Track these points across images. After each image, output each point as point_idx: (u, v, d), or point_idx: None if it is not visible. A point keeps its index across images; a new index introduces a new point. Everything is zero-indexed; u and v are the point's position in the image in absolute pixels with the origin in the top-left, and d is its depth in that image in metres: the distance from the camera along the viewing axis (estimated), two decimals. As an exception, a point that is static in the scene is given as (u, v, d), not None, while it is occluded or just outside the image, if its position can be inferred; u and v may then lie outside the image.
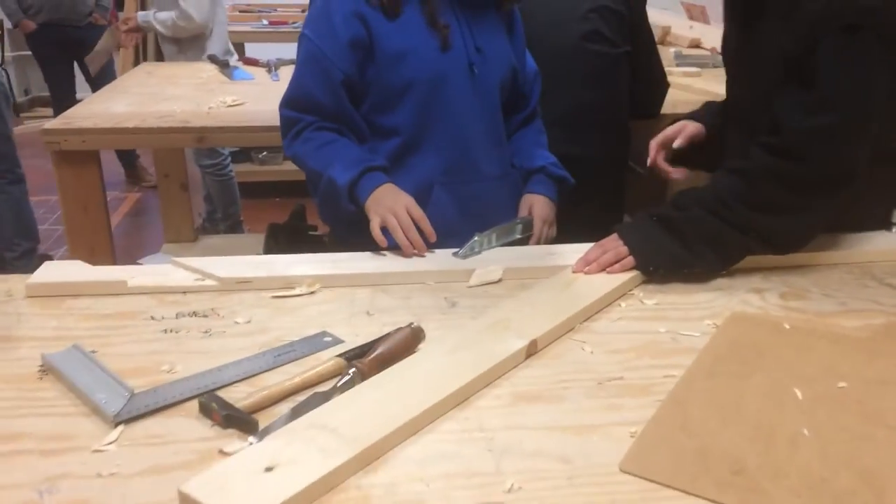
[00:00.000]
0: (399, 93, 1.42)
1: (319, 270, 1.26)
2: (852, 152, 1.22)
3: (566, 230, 1.67)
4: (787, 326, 1.11)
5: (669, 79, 2.79)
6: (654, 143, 1.52)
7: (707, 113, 1.56)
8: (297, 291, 1.22)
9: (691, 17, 3.88)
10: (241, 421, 0.87)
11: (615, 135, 2.16)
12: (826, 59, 1.18)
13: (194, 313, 1.15)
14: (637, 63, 2.13)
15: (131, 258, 3.49)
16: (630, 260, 1.25)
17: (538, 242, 1.50)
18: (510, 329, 1.07)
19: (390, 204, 1.33)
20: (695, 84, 2.73)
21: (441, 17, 1.42)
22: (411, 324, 1.05)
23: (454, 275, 1.28)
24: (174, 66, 3.29)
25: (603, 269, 1.24)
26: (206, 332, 1.10)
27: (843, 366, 1.01)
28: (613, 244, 1.27)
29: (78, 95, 4.51)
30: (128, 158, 4.85)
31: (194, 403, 0.92)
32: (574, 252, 1.34)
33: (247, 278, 1.23)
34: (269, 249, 2.61)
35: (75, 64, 4.71)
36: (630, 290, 1.23)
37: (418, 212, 1.33)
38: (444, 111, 1.44)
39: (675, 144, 1.50)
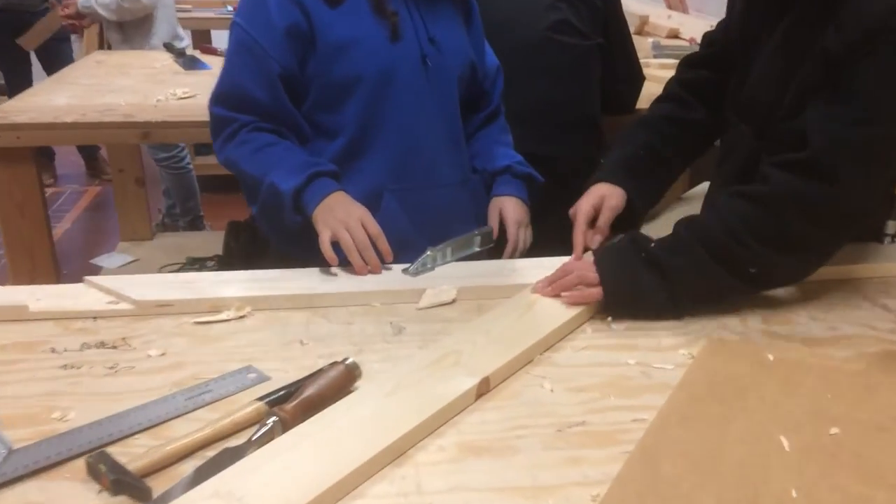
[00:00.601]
0: (343, 88, 1.29)
1: (250, 291, 1.13)
2: (882, 175, 1.08)
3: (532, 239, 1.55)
4: (771, 358, 0.99)
5: (646, 71, 2.67)
6: (578, 231, 1.27)
7: (621, 168, 1.33)
8: (223, 316, 1.08)
9: (670, 7, 3.76)
10: (132, 487, 0.74)
11: (586, 133, 2.03)
12: (879, 69, 1.01)
13: (102, 344, 1.01)
14: (611, 56, 2.00)
15: (87, 257, 3.33)
16: (595, 293, 1.09)
17: (515, 250, 1.37)
18: (460, 364, 0.94)
19: (342, 216, 1.18)
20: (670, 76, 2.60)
21: (389, 3, 1.29)
22: (346, 359, 0.92)
23: (403, 295, 1.15)
24: (127, 54, 3.12)
25: (560, 293, 1.11)
26: (112, 367, 0.96)
27: (834, 407, 0.89)
28: (583, 268, 1.12)
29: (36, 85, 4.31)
30: (88, 150, 4.66)
31: (83, 462, 0.78)
32: (537, 268, 1.21)
33: (166, 301, 1.09)
34: (228, 249, 2.45)
35: (32, 52, 4.51)
36: (598, 312, 1.11)
37: (374, 227, 1.19)
38: (395, 109, 1.30)
39: (595, 242, 1.27)
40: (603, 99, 2.05)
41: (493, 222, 1.39)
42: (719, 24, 1.38)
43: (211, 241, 3.25)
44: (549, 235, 1.41)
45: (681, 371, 0.97)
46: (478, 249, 1.30)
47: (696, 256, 1.07)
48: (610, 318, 1.09)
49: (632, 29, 2.53)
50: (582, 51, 1.94)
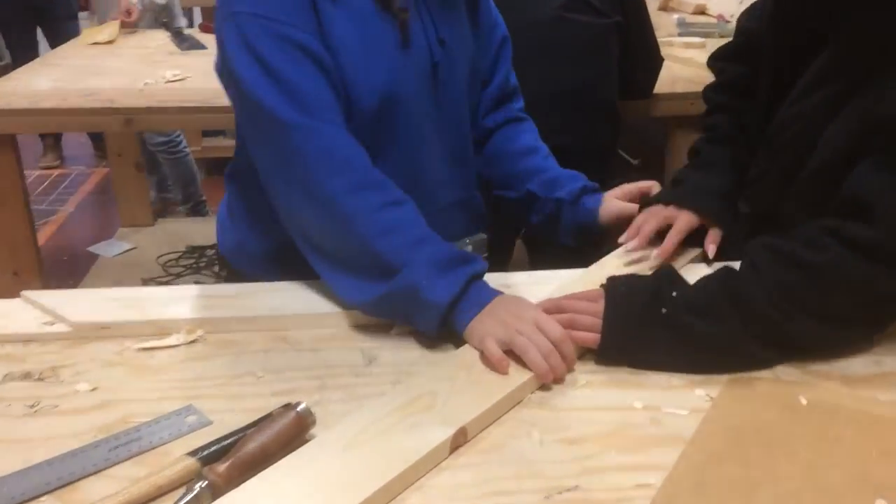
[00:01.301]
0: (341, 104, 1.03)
1: (203, 311, 0.99)
2: None
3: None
4: (804, 402, 0.84)
5: (668, 50, 2.50)
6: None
7: (696, 192, 1.13)
8: (170, 341, 0.95)
9: (697, -20, 3.54)
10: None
11: (603, 120, 1.87)
12: None
13: (27, 375, 0.88)
14: (629, 35, 1.83)
15: (89, 243, 3.23)
16: (590, 338, 0.91)
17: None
18: (434, 409, 0.80)
19: (513, 321, 0.90)
20: (697, 57, 2.42)
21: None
22: (299, 404, 0.78)
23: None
24: (123, 33, 2.99)
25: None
26: (33, 406, 0.83)
27: (880, 469, 0.74)
28: (588, 306, 0.92)
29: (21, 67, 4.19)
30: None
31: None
32: (537, 283, 1.07)
33: (106, 323, 0.96)
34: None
35: (38, 30, 4.39)
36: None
37: (557, 329, 0.89)
38: (398, 130, 1.08)
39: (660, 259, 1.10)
40: (619, 82, 1.88)
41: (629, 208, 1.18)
42: (752, 6, 1.21)
43: (213, 227, 3.14)
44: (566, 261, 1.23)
45: (696, 418, 0.82)
46: (469, 261, 1.14)
47: (731, 327, 0.89)
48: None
49: (655, 4, 2.35)
50: (598, 30, 1.77)
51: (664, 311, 0.89)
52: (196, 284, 1.07)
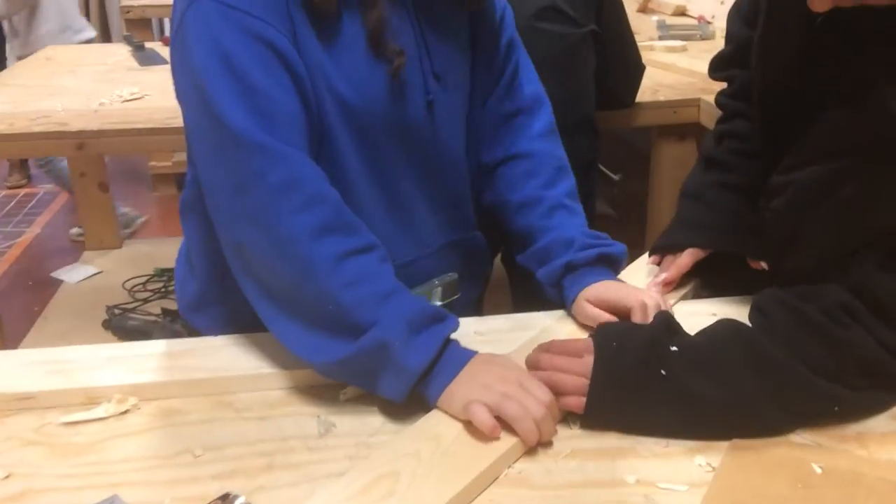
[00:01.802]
0: (316, 144, 0.90)
1: (137, 374, 0.88)
2: None
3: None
4: (819, 469, 0.74)
5: (649, 55, 2.41)
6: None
7: (700, 230, 1.05)
8: (99, 412, 0.83)
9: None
10: None
11: (581, 134, 1.76)
12: None
13: (-70, 462, 0.77)
14: (606, 43, 1.73)
15: (54, 266, 3.10)
16: (574, 403, 0.80)
17: None
18: (395, 495, 0.69)
19: (495, 384, 0.79)
20: (678, 62, 2.33)
21: (393, 34, 0.90)
22: (235, 498, 0.67)
23: (337, 374, 0.89)
24: (81, 49, 2.87)
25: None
26: (-68, 502, 0.72)
27: (912, 557, 0.64)
28: (573, 363, 0.81)
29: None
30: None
31: None
32: (511, 329, 0.96)
33: (27, 394, 0.85)
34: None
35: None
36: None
37: (545, 392, 0.79)
38: (388, 170, 0.96)
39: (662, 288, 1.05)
40: (597, 93, 1.78)
41: (602, 317, 0.95)
42: (736, 6, 1.11)
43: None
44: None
45: (697, 494, 0.71)
46: (439, 303, 1.04)
47: (744, 390, 0.78)
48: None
49: (634, 6, 2.25)
50: (573, 40, 1.66)
51: (663, 372, 0.78)
52: (134, 342, 0.95)
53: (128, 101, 2.07)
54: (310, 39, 0.87)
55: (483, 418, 0.76)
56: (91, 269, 2.95)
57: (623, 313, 0.93)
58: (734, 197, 1.04)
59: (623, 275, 1.06)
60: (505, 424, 0.77)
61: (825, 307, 0.81)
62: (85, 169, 2.98)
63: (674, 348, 0.80)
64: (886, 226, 0.81)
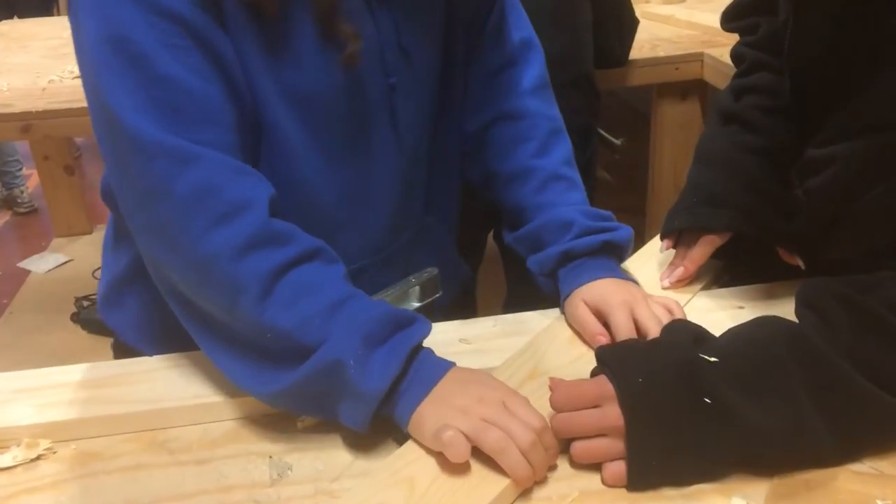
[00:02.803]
0: (253, 140, 0.75)
1: (50, 412, 0.72)
2: None
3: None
4: (887, 509, 0.60)
5: (645, 8, 2.25)
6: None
7: (718, 211, 0.86)
8: (6, 461, 0.68)
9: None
10: None
11: (578, 93, 1.60)
12: None
13: None
14: (600, -2, 1.57)
15: (21, 256, 2.94)
16: (613, 473, 0.63)
17: None
18: (359, 569, 0.55)
19: (473, 406, 0.64)
20: (678, 14, 2.17)
21: (347, 14, 0.73)
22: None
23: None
24: (36, 23, 2.68)
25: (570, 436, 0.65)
26: None
27: None
28: (593, 419, 0.64)
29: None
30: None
31: None
32: (502, 335, 0.81)
33: (-84, 442, 0.70)
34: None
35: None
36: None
37: (532, 413, 0.65)
38: (340, 166, 0.80)
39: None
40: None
41: (589, 324, 0.80)
42: None
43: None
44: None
45: (737, 550, 0.57)
46: (417, 304, 0.89)
47: (808, 418, 0.62)
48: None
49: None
50: (568, -6, 1.51)
51: (707, 400, 0.61)
52: (48, 367, 0.80)
53: (78, 77, 1.90)
54: (243, 17, 0.70)
55: (459, 450, 0.61)
56: (61, 258, 2.79)
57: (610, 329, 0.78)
58: (760, 163, 0.87)
59: (630, 263, 0.91)
60: (490, 460, 0.62)
61: (888, 300, 0.65)
62: (49, 151, 2.81)
63: (712, 359, 0.64)
64: None
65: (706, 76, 1.77)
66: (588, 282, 0.82)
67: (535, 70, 0.93)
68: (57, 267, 2.75)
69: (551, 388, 0.66)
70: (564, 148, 0.93)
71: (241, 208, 0.67)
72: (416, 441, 0.66)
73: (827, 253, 0.78)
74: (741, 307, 0.85)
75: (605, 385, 0.64)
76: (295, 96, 0.74)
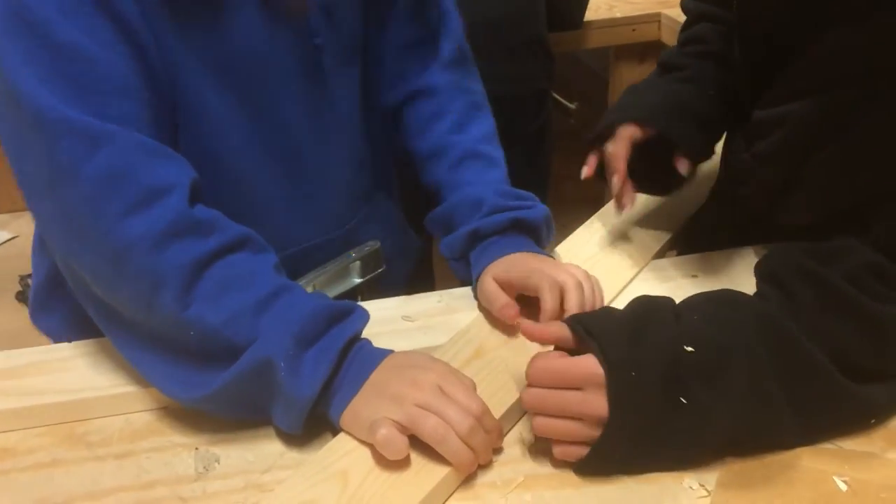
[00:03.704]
0: (175, 111, 0.69)
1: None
2: None
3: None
4: (845, 487, 0.57)
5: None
6: (619, 182, 0.80)
7: (648, 106, 0.82)
8: None
9: None
10: None
11: (532, 57, 1.55)
12: None
13: None
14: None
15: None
16: (573, 452, 0.59)
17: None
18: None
19: (408, 391, 0.60)
20: (636, -27, 2.11)
21: None
22: None
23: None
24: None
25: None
26: None
27: None
28: (574, 401, 0.59)
29: None
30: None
31: None
32: (448, 311, 0.77)
33: None
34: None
35: None
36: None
37: (471, 396, 0.61)
38: (274, 140, 0.74)
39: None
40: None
41: (497, 298, 0.74)
42: None
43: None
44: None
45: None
46: (358, 281, 0.84)
47: (775, 407, 0.59)
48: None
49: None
50: (517, -51, 1.45)
51: (684, 401, 0.57)
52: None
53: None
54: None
55: (394, 449, 0.57)
56: (4, 235, 2.69)
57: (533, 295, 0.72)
58: (686, 88, 0.84)
59: (564, 246, 0.87)
60: (430, 447, 0.58)
61: (851, 271, 0.62)
62: (-13, 124, 2.69)
63: (689, 348, 0.59)
64: None
65: (664, 37, 1.73)
66: (497, 258, 0.77)
67: (451, 42, 0.87)
68: (3, 243, 2.65)
69: (532, 362, 0.61)
70: (484, 124, 0.88)
71: (159, 193, 0.62)
72: (352, 437, 0.61)
73: (779, 218, 0.75)
74: (695, 276, 0.81)
75: (593, 368, 0.58)
76: (215, 61, 0.68)
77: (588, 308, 0.71)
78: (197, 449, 0.64)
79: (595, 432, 0.58)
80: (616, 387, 0.57)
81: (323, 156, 0.79)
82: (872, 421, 0.62)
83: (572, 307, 0.69)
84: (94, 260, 0.62)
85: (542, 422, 0.59)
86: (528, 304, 0.73)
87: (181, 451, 0.64)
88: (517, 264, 0.75)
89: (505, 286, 0.74)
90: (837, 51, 0.66)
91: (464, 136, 0.84)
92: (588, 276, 0.74)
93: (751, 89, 0.77)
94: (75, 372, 0.71)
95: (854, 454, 0.60)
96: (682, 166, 0.79)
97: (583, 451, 0.59)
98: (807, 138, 0.70)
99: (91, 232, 0.61)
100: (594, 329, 0.60)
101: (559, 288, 0.71)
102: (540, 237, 0.81)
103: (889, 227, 0.64)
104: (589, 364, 0.58)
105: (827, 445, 0.61)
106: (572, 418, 0.59)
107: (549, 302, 0.70)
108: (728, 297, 0.64)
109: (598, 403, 0.57)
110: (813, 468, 0.59)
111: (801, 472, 0.59)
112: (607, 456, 0.58)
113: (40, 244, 0.82)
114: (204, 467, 0.62)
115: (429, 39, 0.86)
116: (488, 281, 0.75)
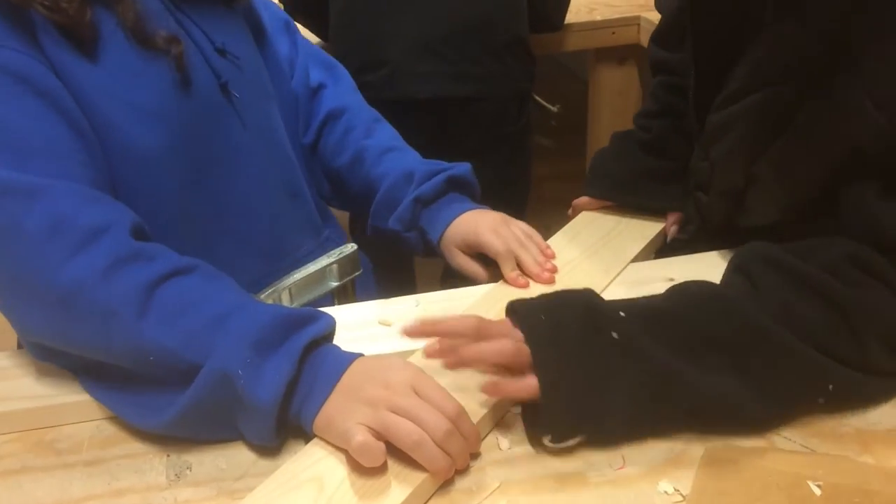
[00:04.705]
0: (109, 166, 0.71)
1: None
2: None
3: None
4: (818, 491, 0.57)
5: (582, -29, 2.19)
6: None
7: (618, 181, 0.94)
8: None
9: None
10: None
11: (512, 57, 1.55)
12: None
13: None
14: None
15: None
16: (526, 388, 0.60)
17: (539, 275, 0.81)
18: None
19: (379, 395, 0.60)
20: (617, -24, 2.11)
21: (156, 28, 0.72)
22: None
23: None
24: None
25: (470, 365, 0.65)
26: None
27: None
28: (495, 348, 0.62)
29: None
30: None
31: None
32: (423, 313, 0.77)
33: None
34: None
35: None
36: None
37: (446, 397, 0.60)
38: (201, 183, 0.77)
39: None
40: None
41: (470, 269, 0.86)
42: None
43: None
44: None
45: (663, 536, 0.54)
46: (335, 284, 0.83)
47: (720, 369, 0.61)
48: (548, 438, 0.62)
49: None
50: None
51: (615, 335, 0.60)
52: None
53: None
54: (66, 56, 0.67)
55: (371, 457, 0.57)
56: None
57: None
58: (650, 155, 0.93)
59: (561, 235, 0.88)
60: (404, 453, 0.58)
61: (828, 263, 0.63)
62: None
63: (621, 314, 0.62)
64: (864, 143, 0.63)
65: (643, 41, 1.73)
66: (449, 222, 0.86)
67: (348, 80, 1.01)
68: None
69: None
70: (388, 129, 0.98)
71: (99, 232, 0.63)
72: (325, 443, 0.61)
73: (743, 221, 0.76)
74: (672, 280, 0.81)
75: (504, 325, 0.63)
76: (138, 113, 0.70)
77: (541, 260, 0.82)
78: (168, 456, 0.63)
79: (523, 382, 0.60)
80: (529, 325, 0.62)
81: (260, 191, 0.81)
82: (830, 387, 0.62)
83: (529, 267, 0.80)
84: (45, 310, 0.62)
85: (463, 358, 0.63)
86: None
87: (152, 457, 0.63)
88: (469, 228, 0.85)
89: (468, 252, 0.85)
90: (773, 48, 0.68)
91: (375, 139, 0.94)
92: (530, 233, 0.85)
93: (709, 100, 0.78)
94: (45, 378, 0.69)
95: (827, 458, 0.61)
96: (670, 232, 0.90)
97: (531, 384, 0.60)
98: (752, 137, 0.71)
99: (39, 281, 0.62)
100: (516, 305, 0.65)
101: (513, 255, 0.81)
102: (474, 191, 0.92)
103: (860, 210, 0.64)
104: (500, 322, 0.64)
105: (798, 447, 0.61)
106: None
107: (508, 271, 0.81)
108: (684, 283, 0.66)
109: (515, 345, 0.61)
110: (788, 472, 0.59)
111: (776, 476, 0.59)
112: (554, 388, 0.59)
113: None
114: (175, 474, 0.61)
115: (328, 84, 0.98)
116: (456, 252, 0.86)
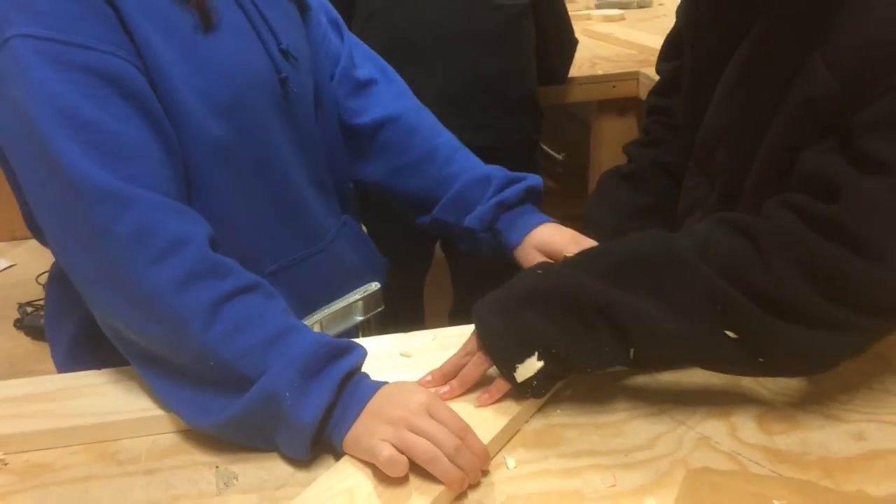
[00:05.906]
0: (181, 168, 0.80)
1: (7, 421, 0.75)
2: None
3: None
4: (781, 508, 0.66)
5: (586, 25, 2.33)
6: None
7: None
8: (-45, 475, 0.71)
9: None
10: None
11: (524, 112, 1.67)
12: None
13: None
14: (542, 16, 1.63)
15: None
16: (498, 384, 0.76)
17: None
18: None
19: (399, 416, 0.69)
20: (617, 32, 2.24)
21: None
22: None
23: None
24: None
25: (464, 392, 0.77)
26: None
27: None
28: (469, 365, 0.78)
29: None
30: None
31: None
32: (440, 347, 0.86)
33: None
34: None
35: None
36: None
37: (454, 417, 0.70)
38: (265, 164, 0.87)
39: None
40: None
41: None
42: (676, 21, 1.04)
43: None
44: (486, 269, 1.00)
45: (648, 545, 0.63)
46: (361, 318, 0.93)
47: (652, 283, 0.72)
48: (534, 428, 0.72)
49: (570, -25, 2.15)
50: (513, 13, 1.56)
51: (539, 271, 0.76)
52: (1, 381, 0.82)
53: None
54: (155, 38, 0.76)
55: (397, 468, 0.66)
56: (3, 263, 2.75)
57: None
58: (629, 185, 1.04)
59: None
60: (423, 469, 0.67)
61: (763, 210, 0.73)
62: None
63: (560, 268, 0.77)
64: (816, 96, 0.71)
65: (641, 94, 1.85)
66: (531, 228, 0.95)
67: (400, 82, 1.06)
68: (0, 272, 2.71)
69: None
70: (447, 131, 1.05)
71: (180, 244, 0.72)
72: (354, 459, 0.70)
73: (748, 183, 0.84)
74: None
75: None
76: (211, 104, 0.79)
77: None
78: (217, 467, 0.72)
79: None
80: (477, 318, 0.76)
81: (300, 184, 0.91)
82: (738, 324, 0.71)
83: None
84: (127, 307, 0.72)
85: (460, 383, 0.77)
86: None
87: (203, 468, 0.72)
88: (556, 237, 0.94)
89: (549, 255, 0.93)
90: (740, 62, 0.79)
91: (443, 138, 1.02)
92: None
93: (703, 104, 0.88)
94: (106, 397, 0.79)
95: (793, 481, 0.69)
96: None
97: (496, 391, 0.75)
98: (742, 143, 0.80)
99: (123, 282, 0.71)
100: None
101: None
102: (541, 203, 1.00)
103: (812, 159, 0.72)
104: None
105: (766, 472, 0.70)
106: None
107: None
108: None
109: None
110: (758, 493, 0.68)
111: (746, 497, 0.67)
112: (486, 320, 0.76)
113: (58, 273, 0.92)
114: (224, 483, 0.70)
115: (380, 82, 1.03)
116: (534, 252, 0.94)
